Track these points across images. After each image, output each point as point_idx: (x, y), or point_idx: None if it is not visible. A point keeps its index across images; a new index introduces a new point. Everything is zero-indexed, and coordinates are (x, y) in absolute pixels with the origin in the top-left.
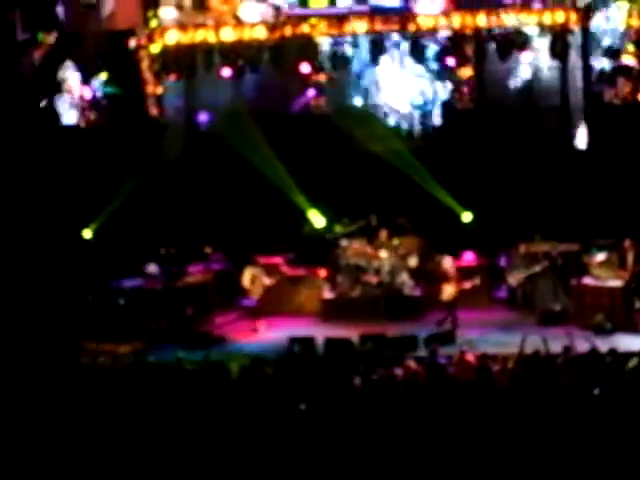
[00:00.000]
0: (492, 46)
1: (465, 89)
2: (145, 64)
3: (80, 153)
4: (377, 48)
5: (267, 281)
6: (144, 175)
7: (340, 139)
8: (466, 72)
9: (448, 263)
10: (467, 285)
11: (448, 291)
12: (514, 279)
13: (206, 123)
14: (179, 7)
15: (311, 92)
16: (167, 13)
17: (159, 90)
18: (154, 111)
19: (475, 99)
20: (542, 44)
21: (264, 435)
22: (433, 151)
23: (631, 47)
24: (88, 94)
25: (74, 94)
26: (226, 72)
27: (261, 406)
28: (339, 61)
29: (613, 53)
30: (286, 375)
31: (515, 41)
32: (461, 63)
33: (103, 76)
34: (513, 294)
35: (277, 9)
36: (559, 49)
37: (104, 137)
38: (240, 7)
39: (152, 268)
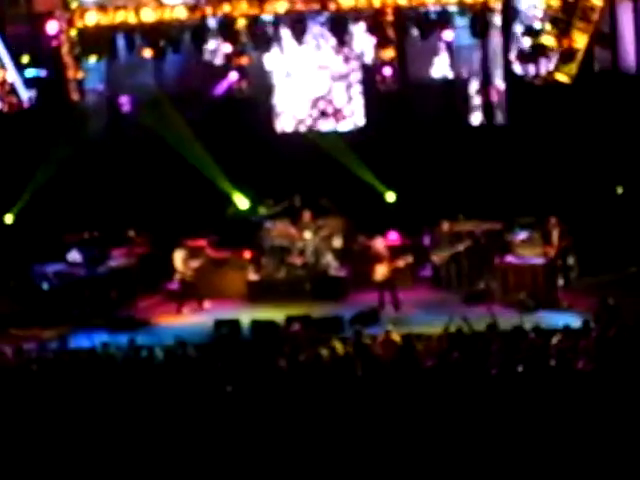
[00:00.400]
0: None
1: (387, 71)
2: (65, 48)
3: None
4: (298, 28)
5: (194, 263)
6: (63, 159)
7: (263, 121)
8: (388, 53)
9: (380, 243)
10: (400, 263)
11: (381, 271)
12: (438, 258)
13: (128, 108)
14: None
15: (233, 75)
16: None
17: (80, 74)
18: (75, 96)
19: (398, 81)
20: (463, 23)
21: (191, 417)
22: (356, 132)
23: (549, 26)
24: (12, 77)
25: None
26: (147, 53)
27: (187, 389)
28: (260, 41)
29: (533, 32)
30: (212, 358)
31: (436, 20)
32: (382, 44)
33: (25, 59)
34: (437, 273)
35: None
36: (480, 28)
37: (25, 121)
38: None
39: (74, 255)
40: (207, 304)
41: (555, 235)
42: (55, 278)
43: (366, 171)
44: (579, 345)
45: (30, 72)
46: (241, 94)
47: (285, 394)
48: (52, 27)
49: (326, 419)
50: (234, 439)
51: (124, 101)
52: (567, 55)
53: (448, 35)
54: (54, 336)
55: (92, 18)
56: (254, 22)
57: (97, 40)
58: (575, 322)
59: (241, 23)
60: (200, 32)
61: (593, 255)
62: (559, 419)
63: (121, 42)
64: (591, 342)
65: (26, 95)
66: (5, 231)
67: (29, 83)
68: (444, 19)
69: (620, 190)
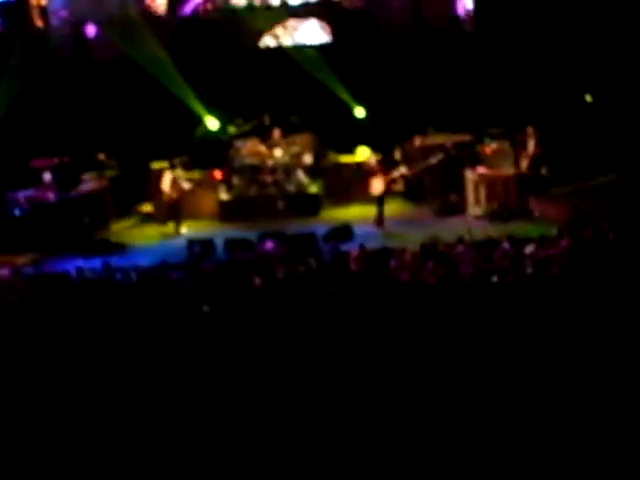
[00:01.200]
0: None
1: None
2: None
3: None
4: None
5: (186, 185)
6: (30, 85)
7: (228, 40)
8: None
9: (372, 157)
10: (395, 175)
11: (377, 185)
12: (409, 171)
13: (93, 33)
14: None
15: None
16: None
17: (43, 1)
18: (39, 22)
19: None
20: None
21: (169, 339)
22: (324, 48)
23: None
24: None
25: None
26: None
27: (163, 310)
28: None
29: None
30: (186, 278)
31: None
32: None
33: None
34: (409, 187)
35: None
36: None
37: None
38: None
39: (47, 177)
40: (184, 228)
41: (531, 145)
42: (26, 204)
43: (335, 86)
44: (553, 252)
45: None
46: (207, 15)
47: (261, 312)
48: None
49: (304, 337)
50: (212, 361)
51: (90, 27)
52: None
53: None
54: (27, 262)
55: None
56: None
57: None
58: (548, 231)
59: None
60: None
61: (564, 164)
62: (536, 327)
63: None
64: (564, 248)
65: None
66: None
67: None
68: None
69: (589, 98)
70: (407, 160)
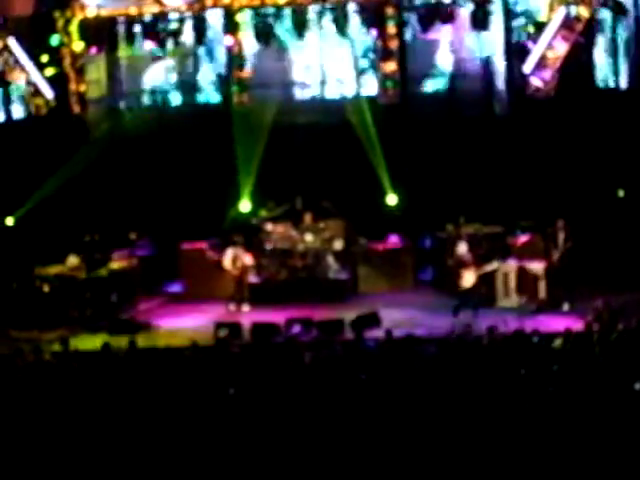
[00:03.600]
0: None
1: (390, 84)
2: (67, 61)
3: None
4: (299, 21)
5: (249, 261)
6: (68, 173)
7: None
8: (390, 67)
9: (463, 248)
10: (487, 269)
11: (468, 278)
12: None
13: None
14: None
15: (235, 89)
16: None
17: (82, 87)
18: (77, 109)
19: (400, 94)
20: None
21: (193, 420)
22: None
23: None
24: (35, 78)
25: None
26: (148, 45)
27: (189, 391)
28: (262, 34)
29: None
30: (212, 360)
31: (437, 12)
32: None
33: (44, 58)
34: (440, 276)
35: None
36: (480, 17)
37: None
38: None
39: (72, 259)
40: (246, 307)
41: (561, 238)
42: (56, 281)
43: (369, 174)
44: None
45: (50, 70)
46: (242, 107)
47: (288, 396)
48: (54, 41)
49: (329, 420)
50: (237, 441)
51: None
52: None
53: (447, 31)
54: (54, 338)
55: (93, 11)
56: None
57: (97, 30)
58: (576, 325)
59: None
60: (201, 23)
61: (595, 258)
62: (562, 421)
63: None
64: (593, 344)
65: (51, 94)
66: (7, 233)
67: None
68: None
69: (621, 193)
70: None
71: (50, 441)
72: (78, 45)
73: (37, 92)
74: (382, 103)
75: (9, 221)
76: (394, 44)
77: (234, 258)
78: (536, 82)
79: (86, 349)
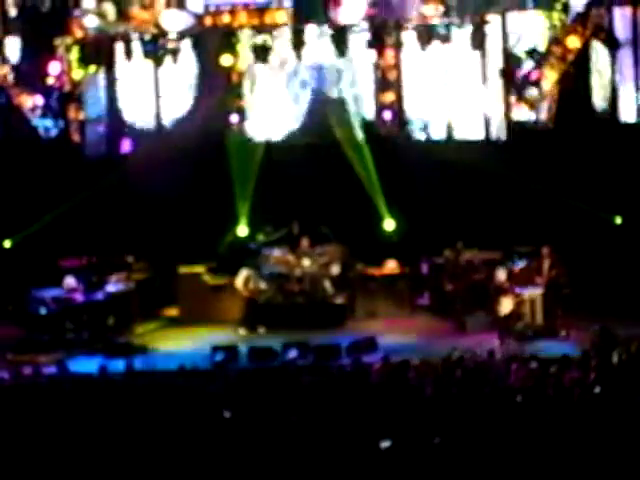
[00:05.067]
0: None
1: (388, 115)
2: (68, 88)
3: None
4: (297, 41)
5: (263, 285)
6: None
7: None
8: (388, 97)
9: (502, 275)
10: (525, 296)
11: (506, 305)
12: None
13: (129, 151)
14: (101, 16)
15: (234, 118)
16: (89, 22)
17: (80, 116)
18: (76, 138)
19: (399, 125)
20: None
21: (188, 443)
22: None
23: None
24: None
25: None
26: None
27: (184, 415)
28: (260, 52)
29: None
30: (209, 384)
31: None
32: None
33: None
34: (437, 301)
35: (199, 17)
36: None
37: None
38: (161, 16)
39: (69, 281)
40: (262, 329)
41: (546, 266)
42: (53, 303)
43: (366, 199)
44: (576, 374)
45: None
46: (241, 135)
47: (283, 421)
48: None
49: (325, 444)
50: (232, 465)
51: (126, 145)
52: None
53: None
54: (51, 361)
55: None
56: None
57: (96, 49)
58: (573, 351)
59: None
60: (200, 41)
61: (593, 285)
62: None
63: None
64: (590, 371)
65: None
66: (3, 255)
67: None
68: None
69: (619, 220)
70: (449, 276)
71: (50, 463)
72: (78, 73)
73: (45, 114)
74: (381, 133)
75: (6, 243)
76: (393, 74)
77: (247, 280)
78: (523, 107)
79: (83, 371)
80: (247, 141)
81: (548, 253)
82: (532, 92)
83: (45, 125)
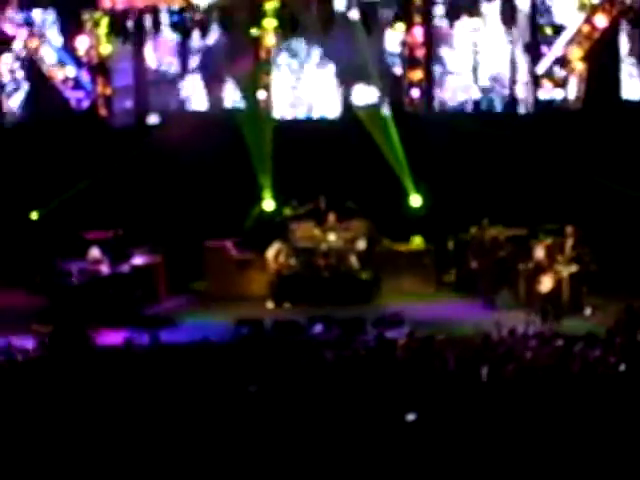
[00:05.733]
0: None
1: (416, 93)
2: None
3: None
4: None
5: (292, 261)
6: (96, 176)
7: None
8: (416, 75)
9: (540, 252)
10: (564, 273)
11: (546, 283)
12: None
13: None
14: None
15: (262, 94)
16: None
17: (108, 91)
18: (103, 112)
19: (426, 103)
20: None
21: (213, 417)
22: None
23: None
24: (73, 72)
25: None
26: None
27: (209, 388)
28: (287, 24)
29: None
30: (234, 357)
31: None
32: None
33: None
34: (461, 278)
35: None
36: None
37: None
38: None
39: (94, 252)
40: (287, 304)
41: (569, 244)
42: (79, 275)
43: (392, 174)
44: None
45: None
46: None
47: (309, 394)
48: (82, 43)
49: (346, 420)
50: (256, 439)
51: (153, 119)
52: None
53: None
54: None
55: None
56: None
57: (123, 21)
58: (599, 329)
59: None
60: (228, 15)
61: (619, 264)
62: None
63: (148, 24)
64: (615, 349)
65: (89, 86)
66: (31, 227)
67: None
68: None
69: None
70: (475, 253)
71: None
72: (106, 48)
73: (77, 85)
74: (408, 111)
75: (34, 215)
76: (421, 52)
77: (278, 253)
78: (548, 85)
79: (108, 344)
80: (266, 117)
81: (572, 232)
82: (559, 71)
83: (77, 97)
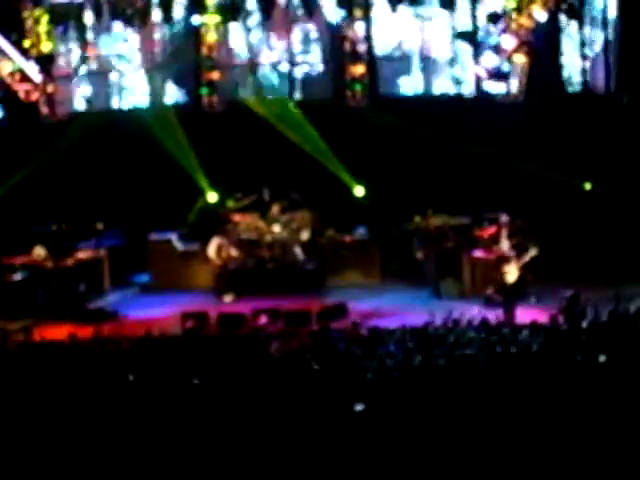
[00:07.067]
0: None
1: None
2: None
3: None
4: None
5: (234, 252)
6: (34, 168)
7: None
8: (358, 70)
9: (505, 244)
10: (526, 259)
11: (512, 272)
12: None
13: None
14: None
15: (204, 90)
16: None
17: (50, 89)
18: (45, 110)
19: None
20: None
21: (157, 409)
22: (321, 123)
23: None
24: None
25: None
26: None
27: (154, 381)
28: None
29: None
30: (179, 350)
31: None
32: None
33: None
34: (404, 268)
35: None
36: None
37: None
38: None
39: (38, 251)
40: (228, 297)
41: (504, 234)
42: (23, 270)
43: (336, 165)
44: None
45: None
46: (212, 109)
47: (253, 387)
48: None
49: (290, 411)
50: (201, 432)
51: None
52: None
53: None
54: (19, 328)
55: None
56: None
57: (66, 13)
58: (542, 317)
59: None
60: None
61: (564, 252)
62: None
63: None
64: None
65: (38, 78)
66: None
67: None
68: None
69: (588, 186)
70: (421, 241)
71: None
72: (46, 46)
73: (24, 78)
74: (350, 105)
75: None
76: (362, 47)
77: (219, 248)
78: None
79: (52, 339)
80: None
81: (507, 220)
82: (494, 59)
83: (25, 89)
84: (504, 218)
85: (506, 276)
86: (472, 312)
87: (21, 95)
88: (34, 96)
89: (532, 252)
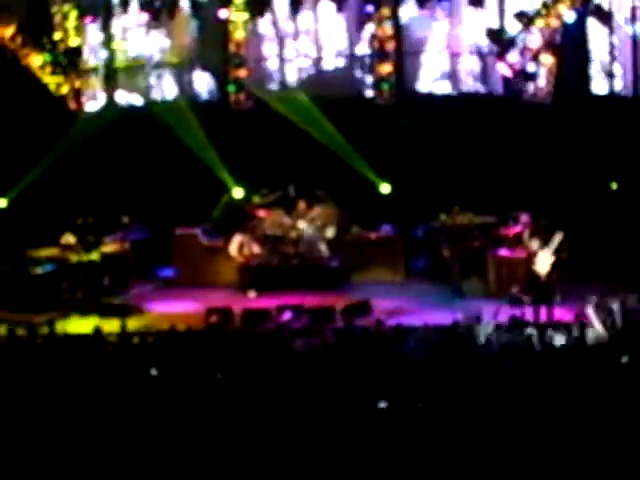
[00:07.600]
0: None
1: (385, 87)
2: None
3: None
4: None
5: (256, 249)
6: (62, 151)
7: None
8: (385, 68)
9: (535, 244)
10: (555, 244)
11: (544, 261)
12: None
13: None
14: None
15: (231, 88)
16: None
17: (77, 84)
18: (73, 105)
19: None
20: None
21: (181, 403)
22: (352, 120)
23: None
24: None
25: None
26: (143, 17)
27: (177, 375)
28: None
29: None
30: (203, 345)
31: None
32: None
33: None
34: (437, 266)
35: None
36: None
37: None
38: None
39: (68, 237)
40: (252, 293)
41: (526, 234)
42: (48, 263)
43: (361, 162)
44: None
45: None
46: (239, 106)
47: (276, 383)
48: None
49: (314, 408)
50: (224, 426)
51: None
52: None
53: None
54: (44, 321)
55: None
56: None
57: (94, 7)
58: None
59: None
60: None
61: (590, 252)
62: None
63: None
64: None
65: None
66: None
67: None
68: None
69: (615, 186)
70: (448, 239)
71: (38, 424)
72: (74, 41)
73: (55, 71)
74: (379, 102)
75: (1, 203)
76: (390, 45)
77: (241, 245)
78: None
79: (76, 332)
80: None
81: (528, 220)
82: (521, 59)
83: (58, 82)
84: (524, 217)
85: (538, 268)
86: (495, 311)
87: (51, 88)
88: (65, 89)
89: (558, 236)
